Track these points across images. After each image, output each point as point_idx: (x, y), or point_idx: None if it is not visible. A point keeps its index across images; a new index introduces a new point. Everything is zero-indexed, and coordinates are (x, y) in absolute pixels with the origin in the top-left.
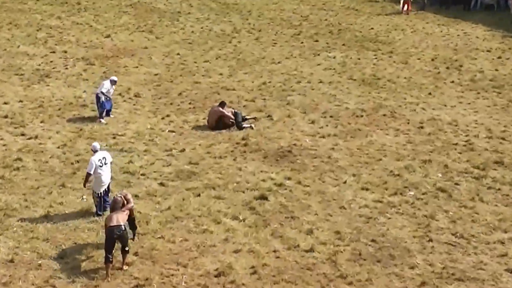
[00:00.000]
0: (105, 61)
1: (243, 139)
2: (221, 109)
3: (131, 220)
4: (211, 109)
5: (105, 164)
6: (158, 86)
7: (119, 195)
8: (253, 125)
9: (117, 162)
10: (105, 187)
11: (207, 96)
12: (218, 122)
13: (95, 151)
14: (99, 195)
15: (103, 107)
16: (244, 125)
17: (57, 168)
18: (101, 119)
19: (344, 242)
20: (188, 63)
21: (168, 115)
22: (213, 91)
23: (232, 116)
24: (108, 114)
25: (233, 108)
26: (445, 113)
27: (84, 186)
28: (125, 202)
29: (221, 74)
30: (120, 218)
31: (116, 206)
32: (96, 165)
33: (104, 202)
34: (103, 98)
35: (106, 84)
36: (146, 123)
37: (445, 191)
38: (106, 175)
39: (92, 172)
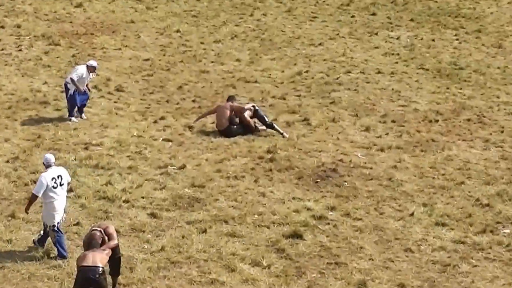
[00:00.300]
0: (75, 40)
1: (268, 152)
2: (231, 103)
3: (114, 261)
4: (217, 107)
5: (60, 185)
6: (150, 76)
7: (98, 229)
8: (285, 134)
9: (90, 183)
10: (60, 216)
11: (218, 90)
12: (232, 121)
13: (47, 165)
14: (55, 228)
15: (73, 101)
16: (275, 126)
17: (5, 191)
18: (72, 117)
19: None
20: (191, 44)
21: (163, 118)
22: (226, 83)
23: (251, 113)
24: (80, 114)
25: (252, 102)
26: None
27: (26, 211)
28: (106, 238)
29: (238, 60)
30: (98, 258)
31: (93, 243)
32: (47, 185)
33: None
34: (72, 90)
35: (81, 69)
36: (132, 128)
37: None
38: (61, 200)
39: (40, 195)
